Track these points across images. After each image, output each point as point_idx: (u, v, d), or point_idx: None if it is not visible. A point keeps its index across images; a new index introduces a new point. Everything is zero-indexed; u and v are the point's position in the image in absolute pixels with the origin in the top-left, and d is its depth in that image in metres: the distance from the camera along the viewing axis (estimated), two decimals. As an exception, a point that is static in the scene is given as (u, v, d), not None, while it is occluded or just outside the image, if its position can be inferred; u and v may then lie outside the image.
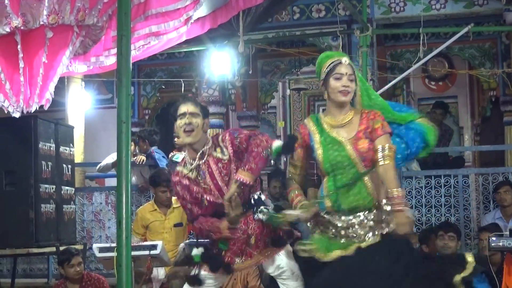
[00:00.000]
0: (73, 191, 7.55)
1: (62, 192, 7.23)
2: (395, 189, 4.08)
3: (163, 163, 8.55)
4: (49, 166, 6.98)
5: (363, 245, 4.16)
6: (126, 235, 3.38)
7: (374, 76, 9.71)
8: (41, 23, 4.70)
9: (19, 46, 4.84)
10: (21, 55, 4.85)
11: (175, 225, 7.08)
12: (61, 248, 6.89)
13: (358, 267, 4.08)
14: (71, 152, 7.50)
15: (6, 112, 5.07)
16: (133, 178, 8.71)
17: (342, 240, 4.22)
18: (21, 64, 4.86)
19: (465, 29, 8.89)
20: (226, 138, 4.64)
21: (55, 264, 8.29)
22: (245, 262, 4.67)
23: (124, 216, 3.38)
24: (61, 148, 7.24)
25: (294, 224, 6.62)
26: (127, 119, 3.53)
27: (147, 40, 5.53)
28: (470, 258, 4.52)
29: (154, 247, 5.86)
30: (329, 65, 4.27)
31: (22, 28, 4.72)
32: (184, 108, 4.62)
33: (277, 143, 4.54)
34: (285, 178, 4.56)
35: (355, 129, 4.27)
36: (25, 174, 6.76)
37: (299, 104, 13.37)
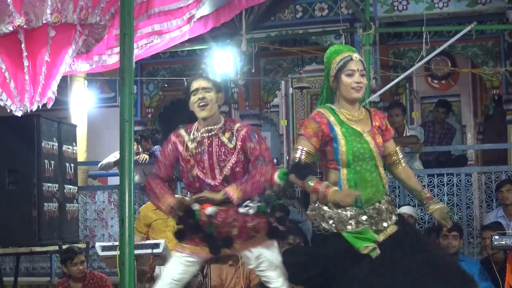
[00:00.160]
0: (76, 190, 7.56)
1: (65, 190, 7.24)
2: (424, 189, 4.52)
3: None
4: (52, 164, 6.99)
5: (383, 236, 4.17)
6: (129, 233, 3.38)
7: (377, 74, 9.71)
8: (44, 21, 4.71)
9: (23, 45, 4.85)
10: (25, 53, 4.86)
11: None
12: (64, 247, 6.90)
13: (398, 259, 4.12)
14: (74, 151, 7.50)
15: (9, 111, 5.08)
16: (136, 177, 8.71)
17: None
18: (26, 63, 4.87)
19: (468, 28, 8.88)
20: (242, 131, 4.66)
21: (58, 262, 8.30)
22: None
23: (127, 215, 3.39)
24: (64, 147, 7.24)
25: (297, 223, 6.61)
26: (130, 118, 3.53)
27: (149, 38, 5.53)
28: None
29: (156, 245, 5.87)
30: (340, 61, 4.24)
31: (25, 27, 4.73)
32: (197, 84, 4.67)
33: (283, 170, 4.52)
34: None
35: (370, 125, 4.29)
36: (28, 173, 6.76)
37: (302, 102, 13.34)
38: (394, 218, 4.26)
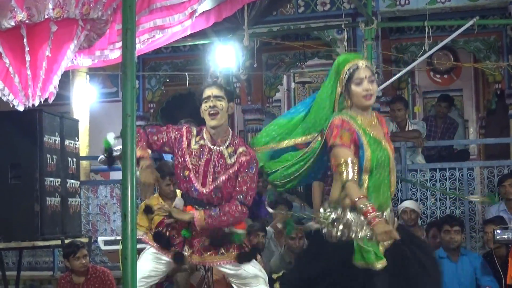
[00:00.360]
0: (78, 185, 7.57)
1: (67, 185, 7.26)
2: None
3: (168, 156, 8.55)
4: (54, 159, 7.00)
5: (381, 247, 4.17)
6: (131, 228, 3.39)
7: (379, 69, 9.69)
8: (46, 16, 4.70)
9: (25, 40, 4.85)
10: (27, 48, 4.87)
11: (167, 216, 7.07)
12: (66, 241, 6.92)
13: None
14: (76, 146, 7.52)
15: (11, 105, 5.09)
16: (138, 172, 8.71)
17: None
18: (28, 58, 4.88)
19: (470, 22, 8.87)
20: (244, 158, 4.64)
21: (60, 257, 8.32)
22: (191, 255, 4.73)
23: (129, 209, 3.39)
24: (66, 142, 7.25)
25: (300, 220, 6.58)
26: (132, 113, 3.53)
27: (151, 33, 5.53)
28: None
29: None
30: (347, 71, 4.22)
31: (27, 22, 4.72)
32: (209, 91, 4.68)
33: (239, 231, 4.70)
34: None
35: (382, 131, 4.30)
36: (30, 167, 6.78)
37: (304, 97, 13.32)
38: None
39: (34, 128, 6.79)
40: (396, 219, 4.34)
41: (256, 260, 4.86)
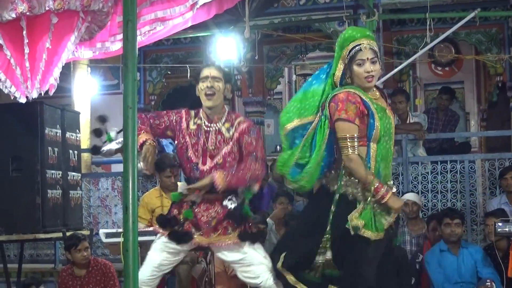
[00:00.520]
0: (79, 177, 7.57)
1: (69, 178, 7.25)
2: None
3: (169, 149, 8.55)
4: (56, 152, 6.99)
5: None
6: (132, 220, 3.38)
7: (381, 61, 9.66)
8: (47, 8, 4.70)
9: (24, 32, 4.85)
10: (26, 40, 4.87)
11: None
12: (68, 234, 6.92)
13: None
14: (77, 138, 7.51)
15: (12, 98, 5.09)
16: (139, 164, 8.70)
17: (383, 215, 4.23)
18: (26, 50, 4.88)
19: (472, 14, 8.84)
20: (243, 125, 4.72)
21: (62, 249, 8.33)
22: (199, 237, 4.72)
23: (130, 202, 3.39)
24: (68, 134, 7.25)
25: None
26: (133, 105, 3.52)
27: (152, 25, 5.53)
28: None
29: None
30: (351, 50, 4.22)
31: (28, 13, 4.72)
32: (207, 71, 4.74)
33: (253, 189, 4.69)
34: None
35: (385, 103, 4.35)
36: (32, 160, 6.77)
37: (305, 90, 13.33)
38: None
39: (35, 120, 6.78)
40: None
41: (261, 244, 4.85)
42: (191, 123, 4.75)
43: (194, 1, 5.40)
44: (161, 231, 4.81)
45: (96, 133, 5.77)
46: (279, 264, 4.41)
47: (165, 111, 4.88)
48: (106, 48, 5.63)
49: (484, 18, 9.61)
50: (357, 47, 4.21)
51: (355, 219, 4.12)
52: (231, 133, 4.69)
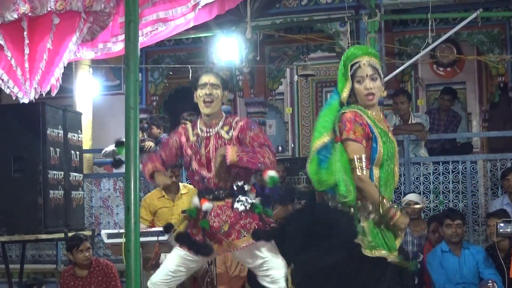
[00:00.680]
0: (81, 178, 7.57)
1: (71, 178, 7.25)
2: None
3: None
4: (57, 152, 6.99)
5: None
6: (134, 221, 3.39)
7: (382, 62, 9.66)
8: (49, 9, 4.71)
9: (25, 33, 4.85)
10: (26, 41, 4.87)
11: (183, 212, 7.08)
12: (70, 234, 6.92)
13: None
14: (79, 139, 7.51)
15: (14, 98, 5.09)
16: (141, 165, 8.70)
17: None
18: (26, 51, 4.88)
19: (474, 15, 8.84)
20: (241, 122, 4.76)
21: (63, 250, 8.32)
22: (215, 246, 4.72)
23: (132, 202, 3.39)
24: (69, 135, 7.25)
25: None
26: (135, 105, 3.53)
27: (154, 26, 5.52)
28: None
29: (162, 233, 5.87)
30: (351, 69, 4.21)
31: (29, 14, 4.72)
32: (206, 78, 4.76)
33: (272, 173, 4.58)
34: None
35: (385, 125, 4.31)
36: (34, 160, 6.77)
37: (307, 90, 13.32)
38: None
39: (37, 121, 6.78)
40: None
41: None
42: (191, 135, 4.79)
43: (196, 1, 5.40)
44: (179, 247, 4.81)
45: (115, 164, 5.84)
46: (290, 284, 4.40)
47: (167, 140, 4.98)
48: (108, 49, 5.63)
49: (486, 18, 9.60)
50: (356, 65, 4.21)
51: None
52: (230, 134, 4.71)
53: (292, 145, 13.23)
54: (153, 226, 7.04)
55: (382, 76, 4.32)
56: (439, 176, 8.18)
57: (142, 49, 9.02)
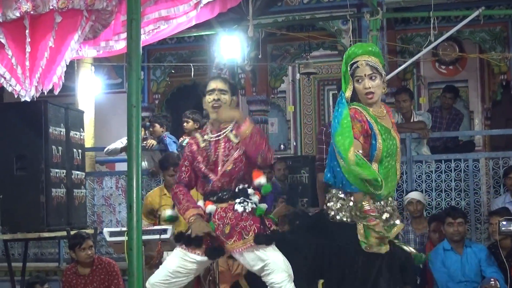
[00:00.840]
0: (83, 176, 7.58)
1: (73, 176, 7.26)
2: None
3: (173, 147, 8.56)
4: (60, 150, 7.00)
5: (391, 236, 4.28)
6: (136, 219, 3.39)
7: (384, 60, 9.66)
8: (51, 7, 4.71)
9: (27, 31, 4.85)
10: (28, 39, 4.87)
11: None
12: (72, 232, 6.93)
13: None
14: (81, 137, 7.52)
15: (16, 96, 5.09)
16: (144, 163, 8.72)
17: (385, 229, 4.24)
18: (28, 49, 4.88)
19: (476, 13, 8.83)
20: None
21: (66, 248, 8.33)
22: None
23: (134, 200, 3.39)
24: (72, 133, 7.26)
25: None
26: (137, 103, 3.54)
27: (156, 24, 5.53)
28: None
29: (164, 231, 5.87)
30: (351, 68, 4.26)
31: (31, 12, 4.72)
32: (214, 84, 4.79)
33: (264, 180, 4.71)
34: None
35: (390, 121, 4.35)
36: (36, 158, 6.78)
37: (309, 88, 13.33)
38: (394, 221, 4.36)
39: (39, 119, 6.79)
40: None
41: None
42: (200, 142, 4.80)
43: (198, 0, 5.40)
44: (178, 245, 4.80)
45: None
46: None
47: (182, 157, 4.95)
48: (110, 47, 5.63)
49: (488, 16, 9.59)
50: (355, 64, 4.25)
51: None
52: (238, 138, 4.71)
53: (294, 143, 13.24)
54: (155, 224, 7.04)
55: (384, 74, 4.34)
56: (441, 174, 8.17)
57: (144, 47, 9.04)
